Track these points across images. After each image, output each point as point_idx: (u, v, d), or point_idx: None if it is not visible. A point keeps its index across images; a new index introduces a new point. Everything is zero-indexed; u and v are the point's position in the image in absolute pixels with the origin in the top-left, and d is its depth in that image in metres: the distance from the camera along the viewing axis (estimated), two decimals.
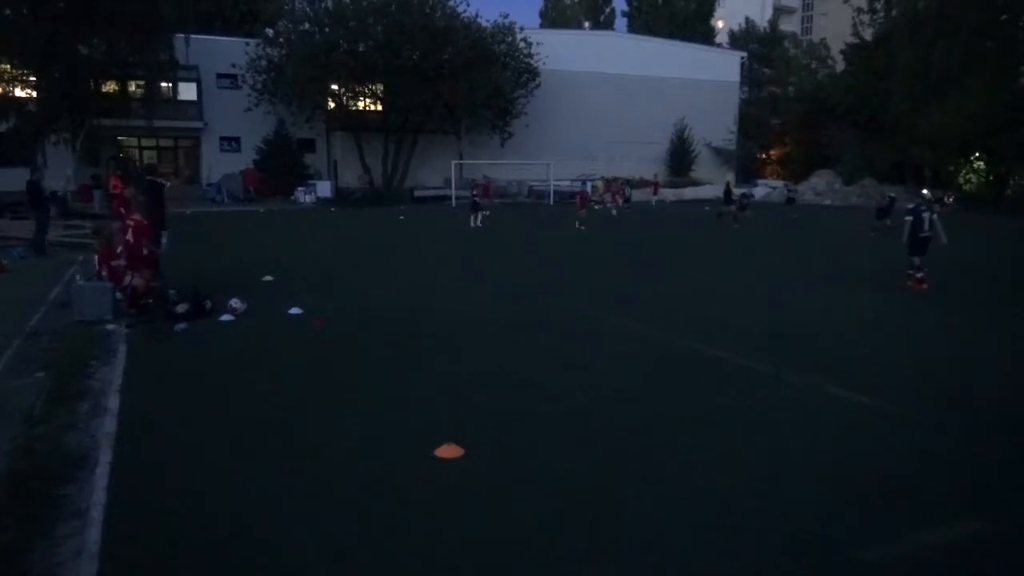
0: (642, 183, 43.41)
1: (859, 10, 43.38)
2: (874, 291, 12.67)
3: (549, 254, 18.10)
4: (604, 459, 5.24)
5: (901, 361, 8.06)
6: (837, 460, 5.24)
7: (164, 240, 16.62)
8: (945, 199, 39.02)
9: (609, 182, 41.11)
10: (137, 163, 39.43)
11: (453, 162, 40.20)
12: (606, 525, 4.29)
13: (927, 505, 4.58)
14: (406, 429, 5.79)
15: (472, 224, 23.48)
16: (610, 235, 22.25)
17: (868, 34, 44.39)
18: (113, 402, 6.38)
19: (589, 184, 42.63)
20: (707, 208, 36.91)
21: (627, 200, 38.09)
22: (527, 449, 5.42)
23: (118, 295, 10.08)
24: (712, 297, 11.96)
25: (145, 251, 10.49)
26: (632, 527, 4.26)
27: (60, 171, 29.97)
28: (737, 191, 30.75)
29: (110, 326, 9.32)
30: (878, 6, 42.37)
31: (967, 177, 41.74)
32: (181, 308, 9.80)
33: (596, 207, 28.46)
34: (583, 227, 23.59)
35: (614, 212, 29.24)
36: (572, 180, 42.83)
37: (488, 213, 28.74)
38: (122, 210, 17.10)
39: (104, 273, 10.45)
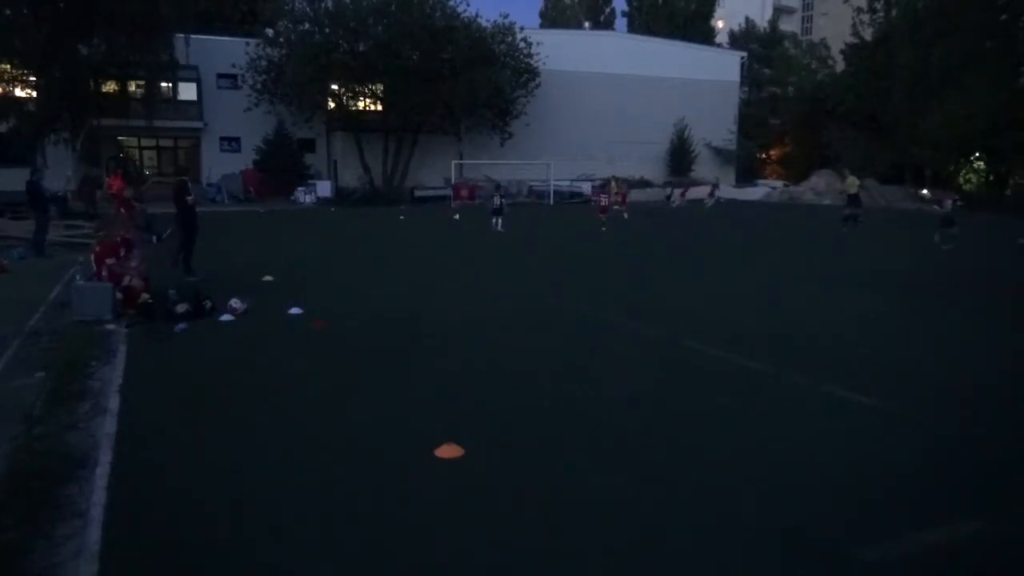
0: (641, 183, 43.41)
1: (859, 10, 43.35)
2: (875, 291, 12.66)
3: (549, 254, 18.09)
4: (604, 459, 5.24)
5: (901, 361, 8.06)
6: (837, 460, 5.24)
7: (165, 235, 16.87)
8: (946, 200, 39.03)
9: (620, 182, 40.60)
10: (137, 163, 39.50)
11: (453, 162, 40.16)
12: (606, 525, 4.28)
13: (927, 505, 4.57)
14: (406, 429, 5.79)
15: (494, 228, 23.01)
16: (614, 236, 22.20)
17: (868, 34, 44.35)
18: (113, 402, 6.38)
19: (592, 185, 42.48)
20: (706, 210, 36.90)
21: (668, 198, 37.81)
22: (527, 449, 5.42)
23: (118, 295, 10.07)
24: (713, 297, 11.95)
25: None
26: (632, 527, 4.26)
27: (60, 171, 29.97)
28: (947, 205, 20.58)
29: (110, 326, 9.31)
30: (878, 6, 42.34)
31: (967, 177, 41.74)
32: (181, 308, 9.80)
33: (616, 207, 27.91)
34: (604, 228, 23.13)
35: (625, 215, 28.01)
36: (572, 180, 42.79)
37: (457, 217, 28.23)
38: (122, 210, 17.23)
39: (104, 273, 10.45)
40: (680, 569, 3.84)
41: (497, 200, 23.96)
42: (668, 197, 40.88)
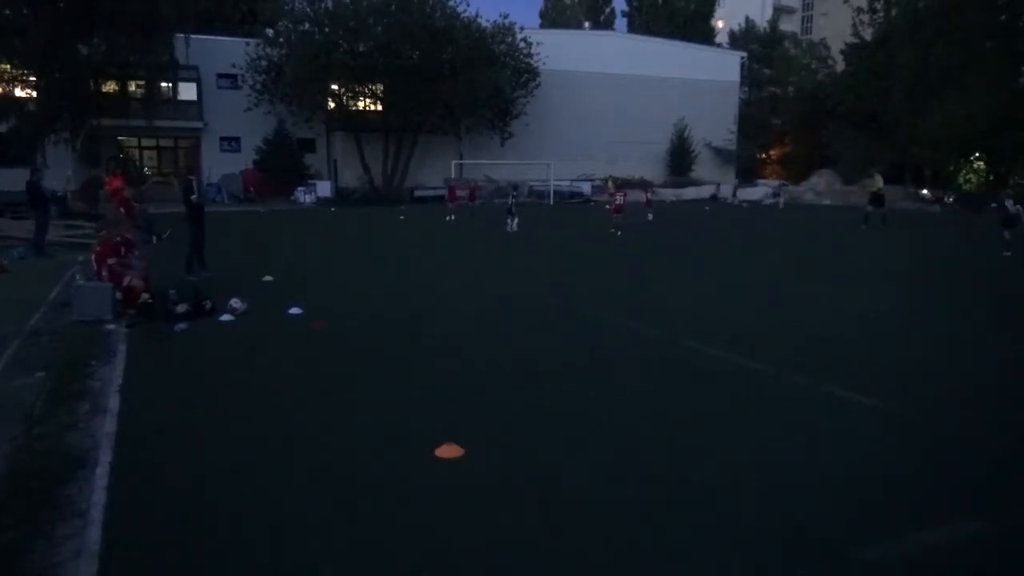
0: (640, 183, 43.38)
1: (859, 10, 43.33)
2: (875, 290, 12.66)
3: (550, 255, 18.09)
4: (604, 459, 5.23)
5: (901, 361, 8.05)
6: (837, 460, 5.24)
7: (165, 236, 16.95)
8: (945, 199, 39.06)
9: (622, 182, 40.27)
10: (137, 163, 39.52)
11: (453, 162, 40.18)
12: (606, 525, 4.28)
13: (927, 505, 4.57)
14: (406, 429, 5.79)
15: (508, 229, 22.75)
16: (614, 235, 22.17)
17: (868, 34, 44.34)
18: (113, 402, 6.38)
19: (592, 185, 42.52)
20: (706, 203, 36.94)
21: (715, 197, 37.19)
22: (528, 449, 5.41)
23: (118, 295, 10.07)
24: (713, 297, 11.95)
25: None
26: (632, 527, 4.26)
27: (60, 171, 29.99)
28: (1010, 205, 18.91)
29: (110, 326, 9.31)
30: (878, 6, 42.33)
31: (967, 177, 41.72)
32: (181, 308, 9.80)
33: (606, 207, 27.36)
34: (619, 232, 22.36)
35: (650, 216, 27.14)
36: (572, 180, 42.82)
37: (453, 218, 27.97)
38: (122, 210, 17.24)
39: (104, 273, 10.46)
40: (680, 569, 3.84)
41: (510, 200, 23.85)
42: (714, 196, 40.83)
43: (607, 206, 28.98)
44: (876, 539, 4.13)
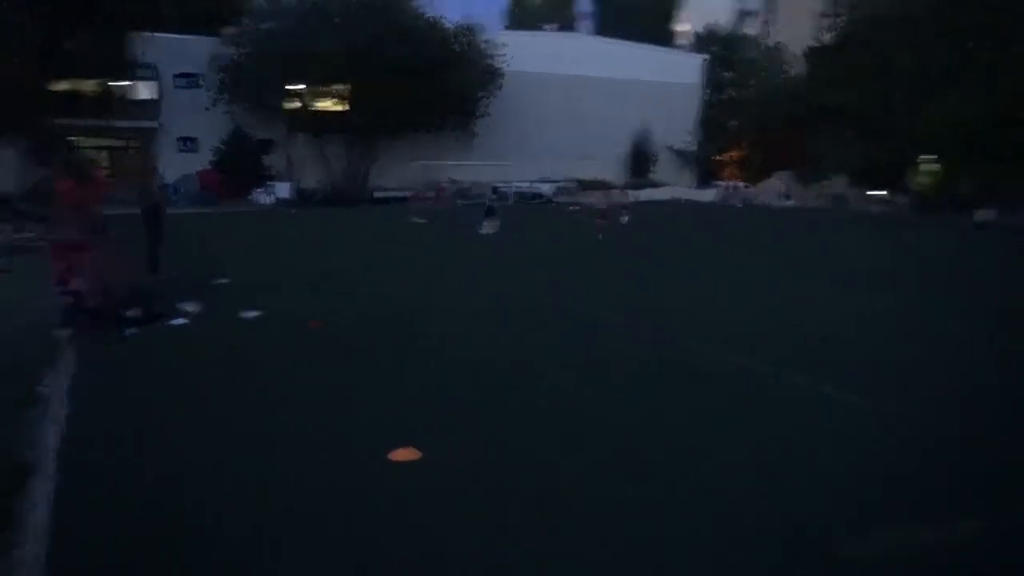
0: (603, 184, 43.53)
1: (821, 15, 44.01)
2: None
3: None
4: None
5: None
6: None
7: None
8: (899, 200, 39.71)
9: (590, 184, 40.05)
10: (91, 163, 38.45)
11: (415, 163, 39.93)
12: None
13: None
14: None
15: (482, 231, 21.97)
16: (596, 235, 21.95)
17: (828, 38, 45.03)
18: (60, 410, 6.05)
19: (557, 187, 42.61)
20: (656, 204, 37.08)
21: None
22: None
23: (68, 299, 9.62)
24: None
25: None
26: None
27: (6, 172, 29.10)
28: None
29: (59, 331, 8.89)
30: (839, 11, 42.98)
31: (920, 180, 42.34)
32: (131, 312, 9.41)
33: (569, 208, 26.75)
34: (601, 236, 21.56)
35: (624, 220, 26.00)
36: (532, 182, 42.92)
37: (424, 222, 27.15)
38: (74, 211, 16.55)
39: (55, 278, 9.98)
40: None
41: (488, 202, 23.33)
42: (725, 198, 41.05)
43: (570, 207, 28.73)
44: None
